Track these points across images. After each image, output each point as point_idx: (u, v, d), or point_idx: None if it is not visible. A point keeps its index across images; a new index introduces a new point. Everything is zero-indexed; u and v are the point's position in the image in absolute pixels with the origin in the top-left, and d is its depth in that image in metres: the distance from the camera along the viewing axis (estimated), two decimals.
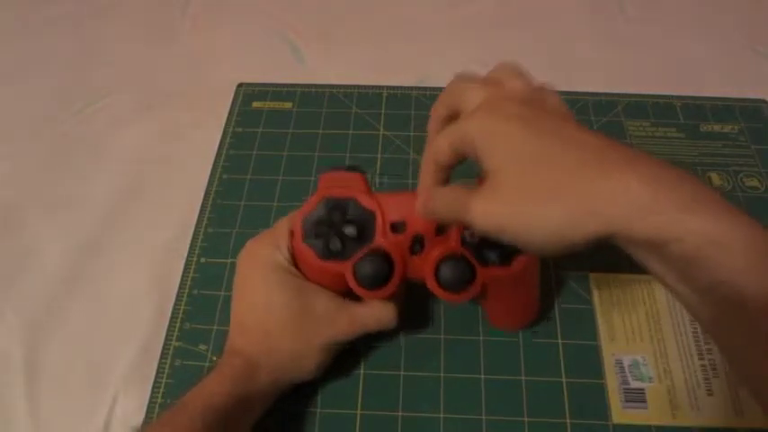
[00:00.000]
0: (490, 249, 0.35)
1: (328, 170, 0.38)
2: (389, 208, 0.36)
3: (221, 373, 0.35)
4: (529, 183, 0.27)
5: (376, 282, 0.35)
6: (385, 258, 0.35)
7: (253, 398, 0.35)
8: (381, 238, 0.36)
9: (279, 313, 0.36)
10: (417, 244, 0.36)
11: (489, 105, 0.31)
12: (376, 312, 0.38)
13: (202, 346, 0.43)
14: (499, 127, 0.29)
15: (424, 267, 0.35)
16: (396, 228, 0.36)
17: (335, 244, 0.36)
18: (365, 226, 0.36)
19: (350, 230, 0.36)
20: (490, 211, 0.28)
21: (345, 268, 0.36)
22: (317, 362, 0.37)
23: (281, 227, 0.38)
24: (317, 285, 0.37)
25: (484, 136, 0.29)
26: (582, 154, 0.27)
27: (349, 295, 0.37)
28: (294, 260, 0.38)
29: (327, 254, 0.36)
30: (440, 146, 0.32)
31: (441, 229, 0.36)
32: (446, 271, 0.35)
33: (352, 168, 0.39)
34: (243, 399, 0.34)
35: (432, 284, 0.35)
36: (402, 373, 0.42)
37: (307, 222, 0.37)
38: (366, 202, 0.36)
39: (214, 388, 0.34)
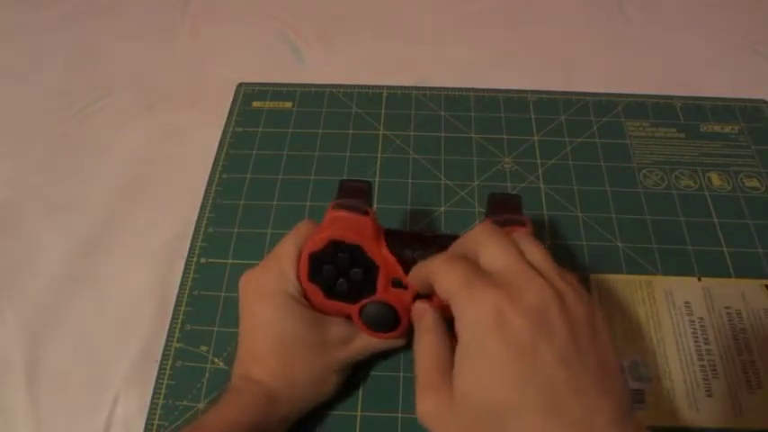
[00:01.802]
0: None
1: (335, 202, 0.38)
2: (393, 266, 0.36)
3: (241, 401, 0.35)
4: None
5: (383, 327, 0.36)
6: (389, 307, 0.35)
7: (272, 428, 0.35)
8: (383, 293, 0.36)
9: (296, 345, 0.36)
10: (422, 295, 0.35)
11: (497, 309, 0.26)
12: None
13: (203, 347, 0.43)
14: (489, 345, 0.25)
15: None
16: (397, 283, 0.36)
17: (342, 286, 0.36)
18: (370, 272, 0.36)
19: (356, 274, 0.36)
20: (435, 419, 0.27)
21: (352, 310, 0.36)
22: (335, 384, 0.38)
23: (285, 254, 0.37)
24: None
25: (470, 338, 0.26)
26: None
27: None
28: (303, 289, 0.37)
29: (334, 294, 0.36)
30: (440, 280, 0.29)
31: None
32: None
33: (357, 182, 0.39)
34: (261, 429, 0.34)
35: None
36: (402, 374, 0.42)
37: (314, 260, 0.36)
38: (372, 253, 0.35)
39: (234, 416, 0.34)
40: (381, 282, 0.36)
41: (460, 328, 0.27)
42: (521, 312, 0.25)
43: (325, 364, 0.37)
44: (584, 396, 0.25)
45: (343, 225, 0.36)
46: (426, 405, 0.28)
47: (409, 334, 0.38)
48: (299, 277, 0.37)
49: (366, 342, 0.38)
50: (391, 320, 0.36)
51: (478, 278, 0.27)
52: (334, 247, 0.36)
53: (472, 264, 0.29)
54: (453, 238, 0.35)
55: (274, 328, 0.36)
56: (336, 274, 0.36)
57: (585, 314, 0.27)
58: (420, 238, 0.37)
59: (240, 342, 0.38)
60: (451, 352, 0.28)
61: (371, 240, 0.36)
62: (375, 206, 0.50)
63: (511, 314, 0.25)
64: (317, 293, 0.37)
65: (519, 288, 0.26)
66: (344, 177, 0.47)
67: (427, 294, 0.34)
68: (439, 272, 0.29)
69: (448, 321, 0.30)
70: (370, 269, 0.36)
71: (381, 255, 0.36)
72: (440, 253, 0.32)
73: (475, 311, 0.26)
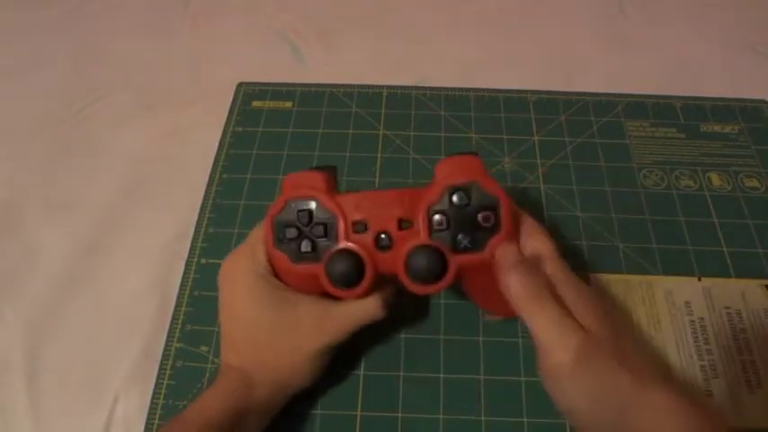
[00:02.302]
0: (463, 234, 0.34)
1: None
2: (349, 208, 0.35)
3: (218, 389, 0.35)
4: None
5: (349, 281, 0.35)
6: (354, 257, 0.35)
7: (251, 413, 0.35)
8: (345, 240, 0.35)
9: (266, 326, 0.36)
10: (384, 239, 0.35)
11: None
12: (362, 307, 0.37)
13: (203, 348, 0.43)
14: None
15: (394, 262, 0.35)
16: (358, 227, 0.35)
17: (306, 246, 0.35)
18: (331, 226, 0.35)
19: (318, 231, 0.35)
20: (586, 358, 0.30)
21: (318, 270, 0.35)
22: (313, 369, 0.37)
23: (255, 238, 0.38)
24: (299, 293, 0.37)
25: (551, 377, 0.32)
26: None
27: (329, 296, 0.37)
28: (273, 269, 0.37)
29: (300, 257, 0.36)
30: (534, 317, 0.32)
31: (404, 224, 0.35)
32: (416, 263, 0.34)
33: (320, 169, 0.38)
34: (241, 414, 0.34)
35: (404, 279, 0.35)
36: (401, 373, 0.42)
37: (276, 226, 0.36)
38: (326, 203, 0.35)
39: (212, 404, 0.34)
40: (341, 230, 0.35)
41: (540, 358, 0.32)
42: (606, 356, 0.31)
43: (299, 346, 0.36)
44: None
45: (297, 184, 0.36)
46: (574, 342, 0.31)
47: (397, 308, 0.38)
48: (268, 256, 0.37)
49: (341, 320, 0.37)
50: (355, 268, 0.35)
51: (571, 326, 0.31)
52: (293, 207, 0.36)
53: (562, 308, 0.32)
54: (407, 190, 0.35)
55: (244, 312, 0.36)
56: (299, 235, 0.36)
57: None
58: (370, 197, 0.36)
59: (220, 333, 0.38)
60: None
61: (325, 192, 0.36)
62: None
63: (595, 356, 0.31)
64: (284, 262, 0.36)
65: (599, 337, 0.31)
66: (346, 178, 0.47)
67: (388, 244, 0.35)
68: (532, 306, 0.32)
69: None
70: (330, 221, 0.35)
71: (336, 202, 0.35)
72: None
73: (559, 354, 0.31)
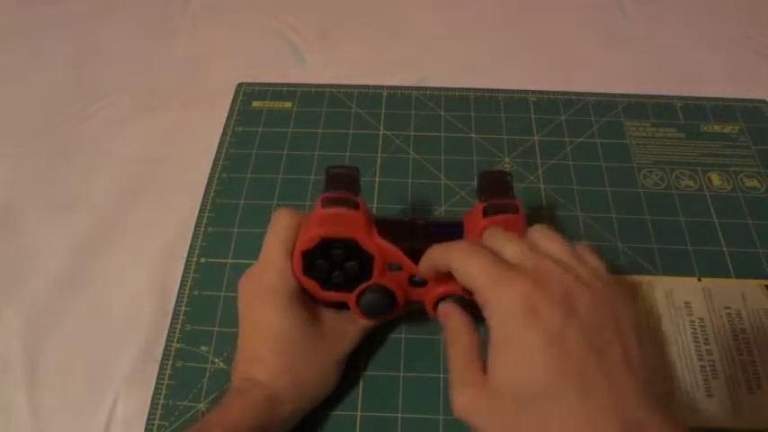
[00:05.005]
0: None
1: (324, 197, 0.37)
2: (388, 252, 0.36)
3: (245, 403, 0.35)
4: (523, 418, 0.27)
5: (379, 312, 0.37)
6: (386, 292, 0.36)
7: (275, 429, 0.35)
8: (380, 277, 0.36)
9: (295, 343, 0.36)
10: (417, 279, 0.37)
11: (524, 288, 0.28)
12: None
13: (204, 348, 0.43)
14: (521, 334, 0.27)
15: (425, 296, 0.37)
16: (392, 266, 0.36)
17: (338, 278, 0.36)
18: (365, 262, 0.36)
19: (352, 267, 0.36)
20: (475, 411, 0.28)
21: (349, 299, 0.37)
22: (334, 379, 0.38)
23: (275, 249, 0.37)
24: (322, 305, 0.39)
25: (502, 328, 0.27)
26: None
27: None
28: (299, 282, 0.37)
29: (330, 286, 0.37)
30: (465, 269, 0.29)
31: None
32: None
33: (345, 169, 0.39)
34: (265, 431, 0.34)
35: (431, 312, 0.37)
36: (402, 374, 0.42)
37: (307, 258, 0.36)
38: (366, 244, 0.35)
39: (236, 418, 0.34)
40: (377, 269, 0.36)
41: (491, 316, 0.28)
42: (549, 301, 0.27)
43: (323, 360, 0.37)
44: (613, 377, 0.26)
45: (334, 221, 0.36)
46: (465, 399, 0.29)
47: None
48: (293, 272, 0.37)
49: (358, 328, 0.39)
50: (388, 304, 0.37)
51: (506, 269, 0.28)
52: (327, 243, 0.35)
53: (496, 254, 0.30)
54: (445, 225, 0.37)
55: (274, 328, 0.36)
56: (331, 268, 0.36)
57: (606, 299, 0.29)
58: (411, 227, 0.37)
59: (240, 344, 0.38)
60: (483, 346, 0.29)
61: (364, 232, 0.35)
62: (375, 206, 0.50)
63: (540, 303, 0.27)
64: (313, 286, 0.37)
65: (543, 279, 0.28)
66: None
67: (420, 282, 0.36)
68: (463, 260, 0.30)
69: (470, 303, 0.32)
70: (366, 259, 0.36)
71: (375, 244, 0.36)
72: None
73: (505, 301, 0.27)
